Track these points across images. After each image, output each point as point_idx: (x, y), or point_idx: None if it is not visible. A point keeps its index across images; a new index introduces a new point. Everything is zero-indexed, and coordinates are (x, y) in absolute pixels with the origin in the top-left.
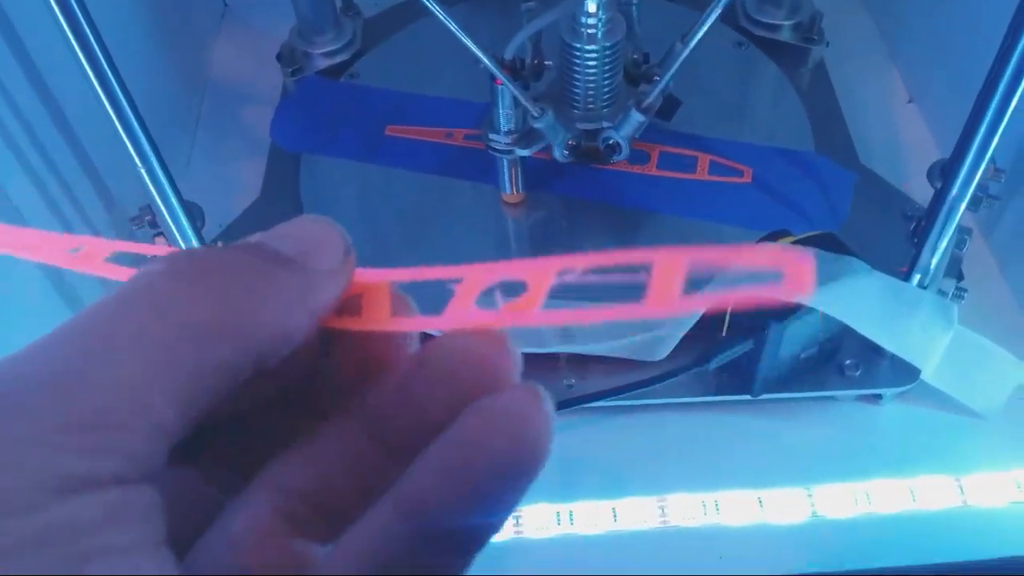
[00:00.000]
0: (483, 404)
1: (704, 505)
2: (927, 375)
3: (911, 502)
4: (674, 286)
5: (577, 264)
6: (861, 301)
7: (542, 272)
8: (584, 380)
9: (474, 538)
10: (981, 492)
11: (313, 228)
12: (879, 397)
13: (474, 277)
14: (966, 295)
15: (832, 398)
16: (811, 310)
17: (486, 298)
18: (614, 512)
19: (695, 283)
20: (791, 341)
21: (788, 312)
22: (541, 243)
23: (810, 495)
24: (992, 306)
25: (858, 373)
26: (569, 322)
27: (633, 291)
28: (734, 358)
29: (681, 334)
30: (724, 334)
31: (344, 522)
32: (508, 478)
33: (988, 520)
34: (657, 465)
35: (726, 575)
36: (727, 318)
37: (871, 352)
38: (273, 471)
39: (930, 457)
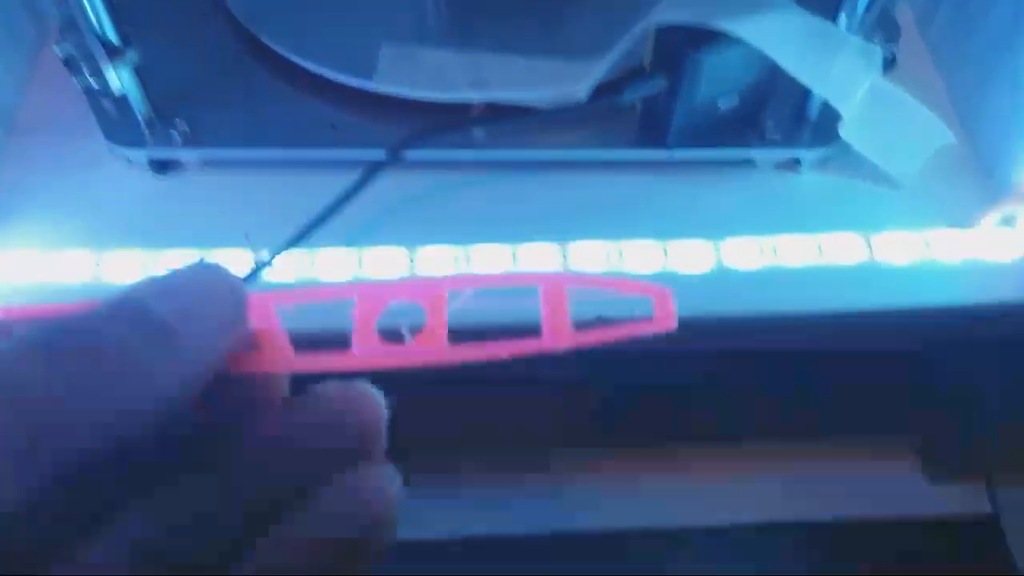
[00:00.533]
0: (340, 486)
1: (608, 254)
2: (846, 132)
3: (818, 255)
4: (561, 314)
5: (466, 284)
6: (784, 35)
7: (434, 293)
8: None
9: None
10: (889, 249)
11: (207, 281)
12: (798, 164)
13: (367, 300)
14: (896, 67)
15: (751, 164)
16: (732, 44)
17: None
18: (514, 255)
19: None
20: (711, 82)
21: (708, 43)
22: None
23: (717, 248)
24: (926, 101)
25: (778, 136)
26: (476, 358)
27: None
28: (649, 95)
29: (601, 72)
30: (643, 69)
31: None
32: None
33: (895, 276)
34: (564, 218)
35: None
36: (648, 54)
37: (793, 115)
38: (121, 526)
39: (843, 219)
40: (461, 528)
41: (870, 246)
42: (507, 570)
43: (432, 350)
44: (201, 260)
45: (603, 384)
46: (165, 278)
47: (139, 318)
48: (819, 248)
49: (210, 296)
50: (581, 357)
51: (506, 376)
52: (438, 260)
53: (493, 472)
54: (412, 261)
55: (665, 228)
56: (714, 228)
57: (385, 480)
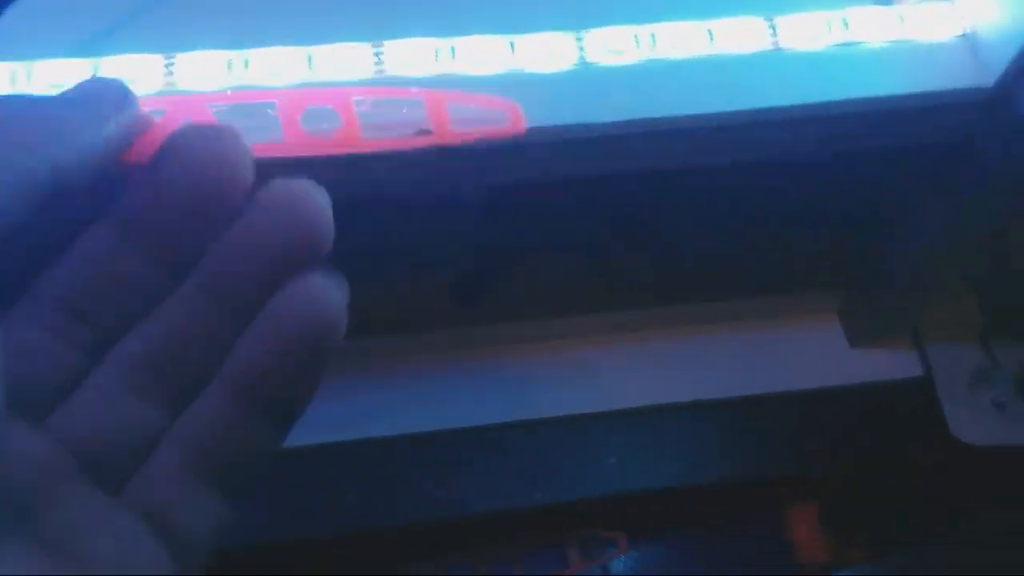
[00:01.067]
0: (295, 283)
1: (438, 51)
2: None
3: (708, 45)
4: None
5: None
6: None
7: (344, 99)
8: None
9: (291, 411)
10: (797, 34)
11: (92, 81)
12: None
13: (287, 101)
14: None
15: None
16: None
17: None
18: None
19: None
20: None
21: None
22: None
23: (580, 40)
24: None
25: None
26: (385, 148)
27: None
28: None
29: None
30: None
31: (189, 389)
32: (320, 353)
33: (805, 65)
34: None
35: None
36: None
37: None
38: (120, 347)
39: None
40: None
41: (774, 30)
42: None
43: (350, 143)
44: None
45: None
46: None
47: (51, 97)
48: (710, 35)
49: (90, 90)
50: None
51: None
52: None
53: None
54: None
55: (514, 18)
56: (574, 17)
57: (329, 287)
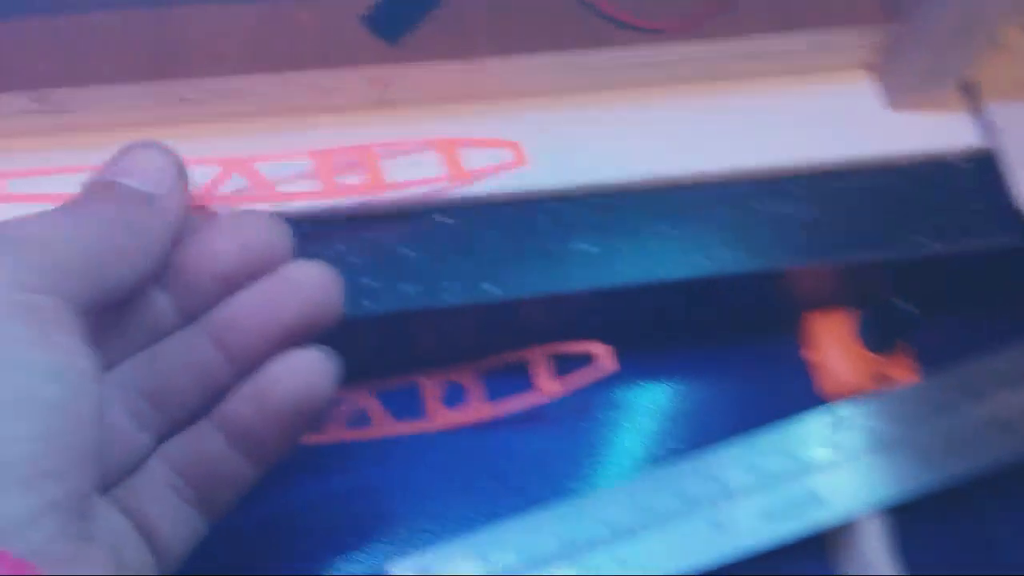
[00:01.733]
0: (292, 354)
1: None
2: None
3: None
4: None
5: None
6: None
7: (370, 153)
8: None
9: (272, 459)
10: None
11: (148, 156)
12: None
13: (321, 158)
14: None
15: None
16: None
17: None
18: None
19: None
20: None
21: None
22: None
23: None
24: None
25: None
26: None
27: None
28: None
29: None
30: None
31: (183, 419)
32: (302, 422)
33: None
34: None
35: None
36: None
37: None
38: (122, 370)
39: None
40: None
41: None
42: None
43: (377, 188)
44: (139, 142)
45: None
46: (120, 159)
47: (120, 191)
48: None
49: (159, 162)
50: None
51: None
52: None
53: None
54: None
55: None
56: None
57: (324, 364)
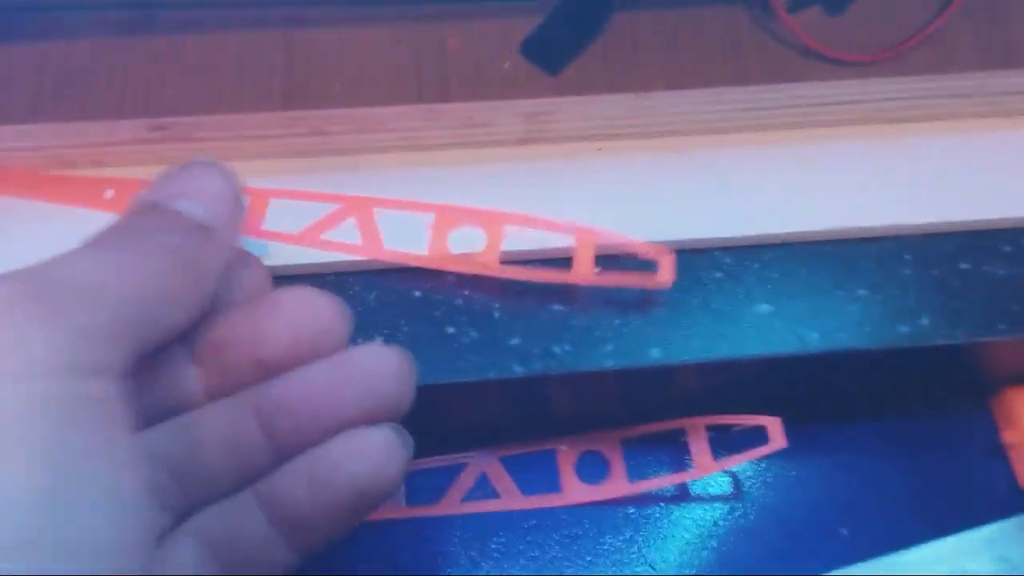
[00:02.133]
0: (355, 434)
1: None
2: None
3: None
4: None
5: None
6: None
7: (496, 223)
8: None
9: (316, 548)
10: None
11: (209, 179)
12: None
13: (444, 216)
14: None
15: None
16: None
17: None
18: None
19: None
20: None
21: None
22: None
23: None
24: None
25: None
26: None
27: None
28: None
29: None
30: None
31: (208, 493)
32: (362, 508)
33: None
34: None
35: None
36: None
37: None
38: (148, 435)
39: None
40: None
41: None
42: None
43: (487, 265)
44: (198, 160)
45: None
46: (174, 180)
47: (178, 221)
48: None
49: (218, 186)
50: None
51: None
52: None
53: None
54: None
55: None
56: None
57: (389, 445)
